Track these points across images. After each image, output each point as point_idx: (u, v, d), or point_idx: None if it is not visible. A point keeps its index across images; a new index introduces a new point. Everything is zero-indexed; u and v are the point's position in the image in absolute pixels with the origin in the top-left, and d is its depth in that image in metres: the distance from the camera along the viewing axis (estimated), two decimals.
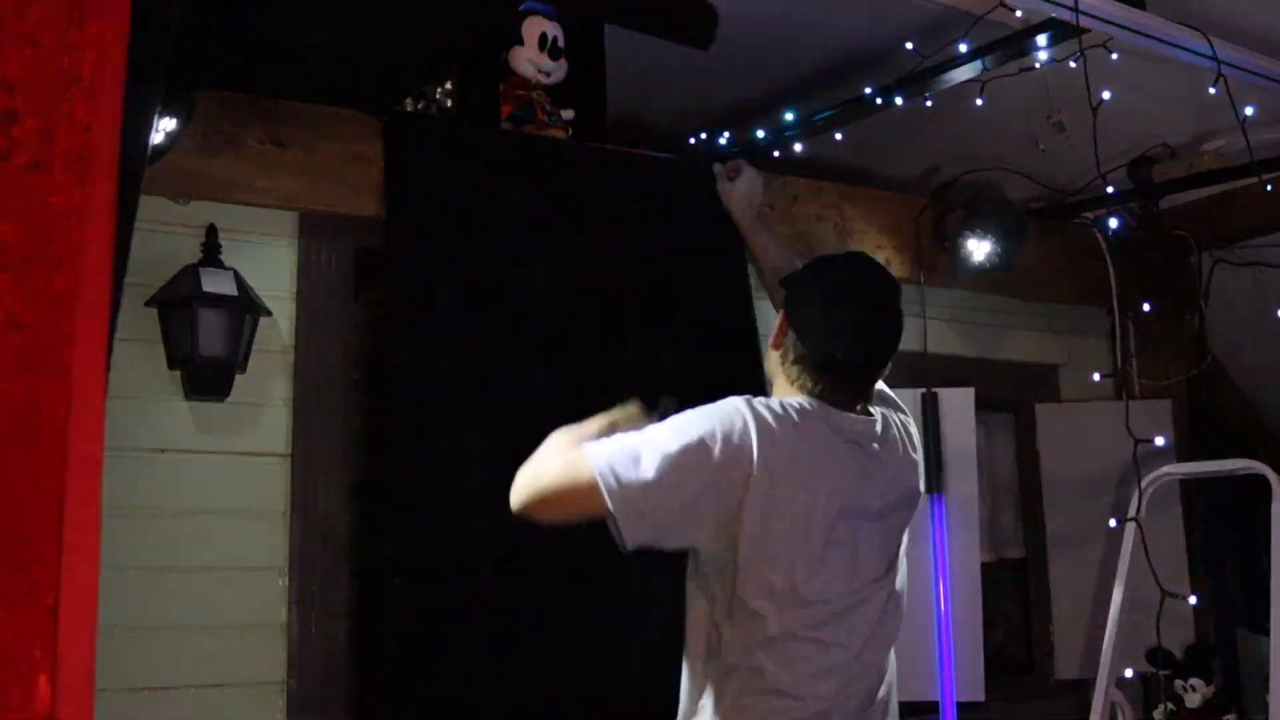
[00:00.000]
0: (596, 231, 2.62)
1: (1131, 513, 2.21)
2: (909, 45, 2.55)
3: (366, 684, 2.35)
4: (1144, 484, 2.79)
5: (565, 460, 1.75)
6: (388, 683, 2.26)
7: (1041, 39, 2.33)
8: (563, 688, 2.40)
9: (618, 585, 2.49)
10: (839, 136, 2.84)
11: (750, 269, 2.79)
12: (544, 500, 1.75)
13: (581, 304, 2.57)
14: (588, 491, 1.69)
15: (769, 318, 2.64)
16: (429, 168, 2.45)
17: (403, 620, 2.29)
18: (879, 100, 2.64)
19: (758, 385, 2.76)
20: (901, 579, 1.91)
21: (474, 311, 2.44)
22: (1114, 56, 2.49)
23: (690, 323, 2.70)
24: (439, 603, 2.31)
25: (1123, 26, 2.14)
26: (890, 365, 1.91)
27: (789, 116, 2.85)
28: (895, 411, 2.00)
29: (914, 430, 2.02)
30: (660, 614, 2.52)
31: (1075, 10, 2.03)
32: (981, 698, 3.00)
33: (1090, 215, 3.45)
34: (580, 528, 2.43)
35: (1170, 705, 3.28)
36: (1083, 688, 3.34)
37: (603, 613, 2.48)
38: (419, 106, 2.58)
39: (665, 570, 2.53)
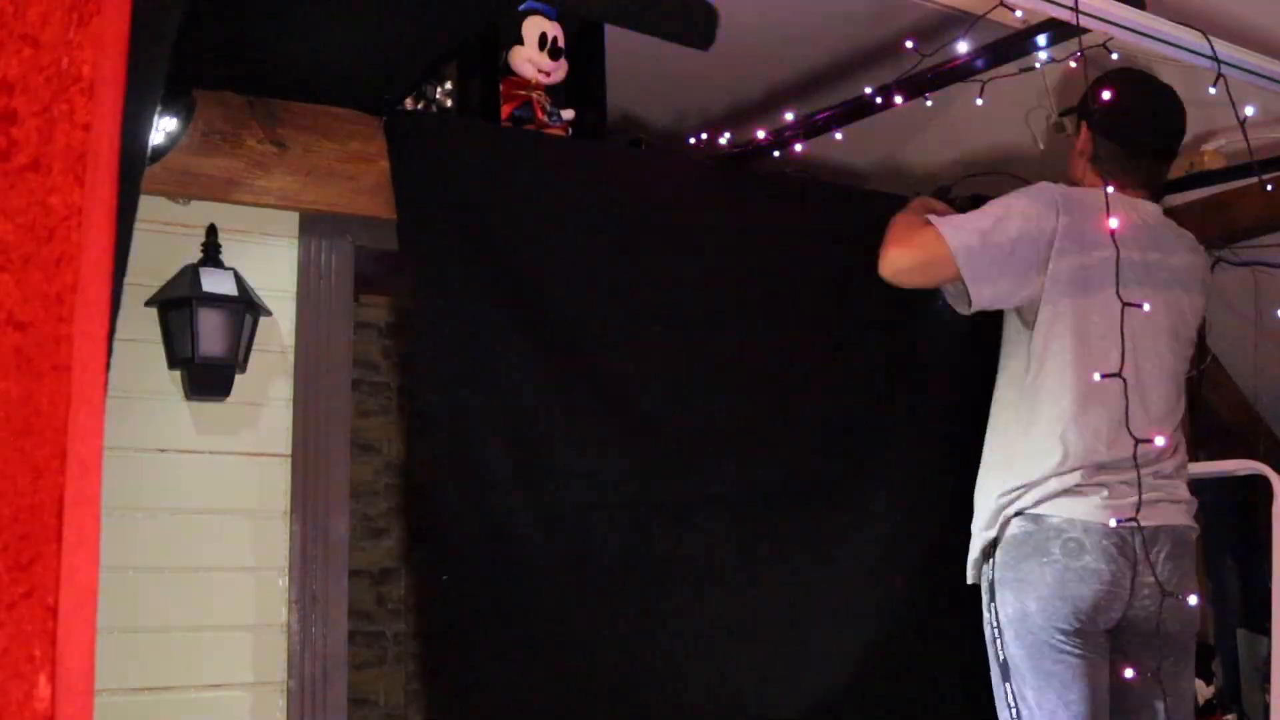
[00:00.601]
0: (613, 226, 2.61)
1: (1131, 513, 2.21)
2: (909, 45, 2.55)
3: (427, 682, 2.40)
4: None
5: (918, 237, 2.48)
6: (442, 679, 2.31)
7: (1041, 39, 2.33)
8: (614, 686, 2.44)
9: (669, 577, 2.54)
10: (839, 136, 2.84)
11: (751, 259, 2.78)
12: (908, 273, 2.52)
13: (604, 295, 2.56)
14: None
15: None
16: (436, 164, 2.45)
17: (453, 617, 2.35)
18: (879, 100, 2.64)
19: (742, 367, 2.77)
20: None
21: (497, 305, 2.44)
22: (1114, 56, 2.49)
23: (698, 307, 2.70)
24: (483, 600, 2.36)
25: (1123, 26, 2.14)
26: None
27: (789, 116, 2.85)
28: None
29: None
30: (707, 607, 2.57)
31: (1075, 10, 2.03)
32: None
33: None
34: (613, 532, 2.48)
35: None
36: None
37: (663, 608, 2.52)
38: (419, 106, 2.57)
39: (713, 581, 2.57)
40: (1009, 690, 2.34)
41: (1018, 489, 2.39)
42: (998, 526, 2.42)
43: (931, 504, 2.74)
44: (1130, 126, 2.52)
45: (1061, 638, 2.28)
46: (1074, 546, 2.29)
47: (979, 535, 2.48)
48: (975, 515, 2.51)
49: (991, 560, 2.42)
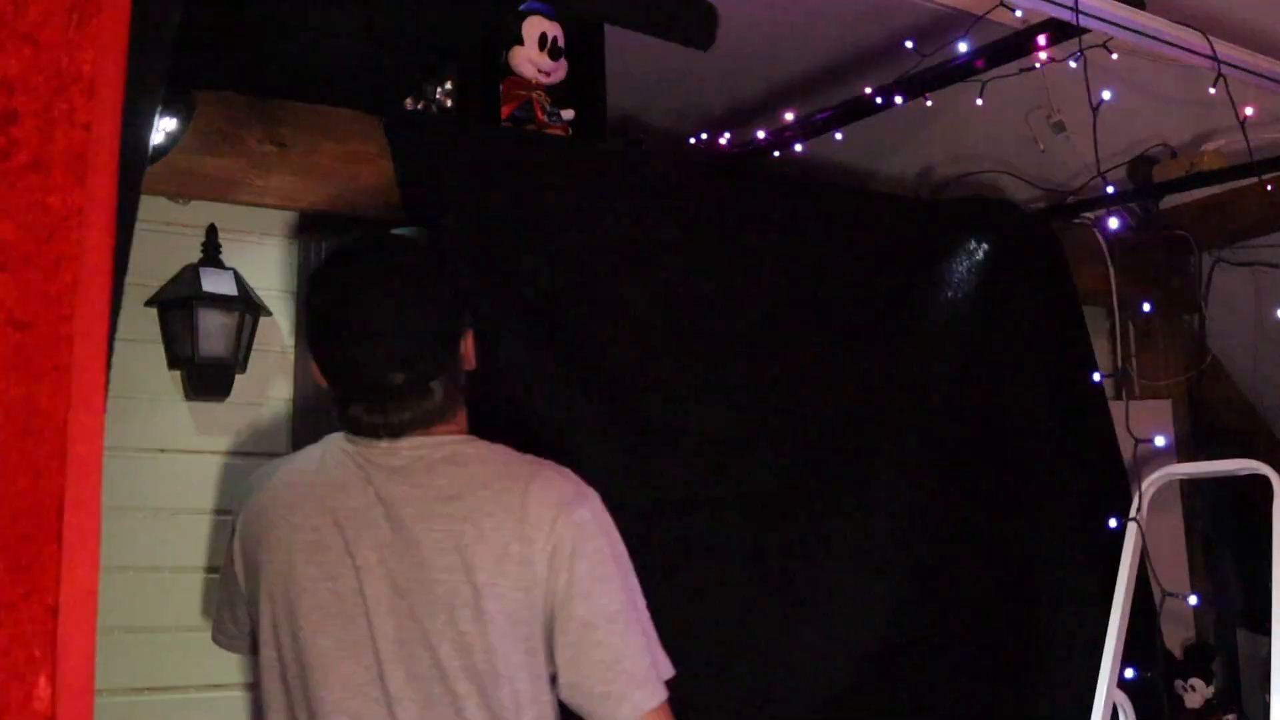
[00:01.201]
0: (613, 226, 2.61)
1: (1133, 513, 2.21)
2: (909, 45, 2.55)
3: None
4: (1144, 484, 2.79)
5: None
6: None
7: (1041, 39, 2.33)
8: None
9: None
10: (839, 136, 2.84)
11: (751, 259, 2.77)
12: None
13: (604, 295, 2.55)
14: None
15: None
16: (436, 164, 2.44)
17: None
18: (879, 100, 2.64)
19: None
20: None
21: (497, 305, 2.42)
22: (1114, 56, 2.49)
23: (698, 307, 2.70)
24: None
25: (1123, 26, 2.14)
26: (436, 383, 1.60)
27: (789, 116, 2.85)
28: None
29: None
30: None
31: (1075, 10, 2.03)
32: None
33: (1090, 215, 3.45)
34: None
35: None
36: None
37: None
38: (419, 106, 2.57)
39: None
40: None
41: None
42: None
43: (934, 504, 2.73)
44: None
45: None
46: None
47: None
48: None
49: None
